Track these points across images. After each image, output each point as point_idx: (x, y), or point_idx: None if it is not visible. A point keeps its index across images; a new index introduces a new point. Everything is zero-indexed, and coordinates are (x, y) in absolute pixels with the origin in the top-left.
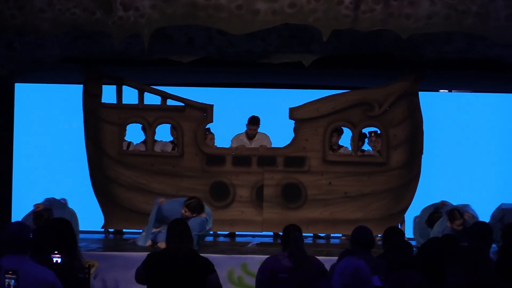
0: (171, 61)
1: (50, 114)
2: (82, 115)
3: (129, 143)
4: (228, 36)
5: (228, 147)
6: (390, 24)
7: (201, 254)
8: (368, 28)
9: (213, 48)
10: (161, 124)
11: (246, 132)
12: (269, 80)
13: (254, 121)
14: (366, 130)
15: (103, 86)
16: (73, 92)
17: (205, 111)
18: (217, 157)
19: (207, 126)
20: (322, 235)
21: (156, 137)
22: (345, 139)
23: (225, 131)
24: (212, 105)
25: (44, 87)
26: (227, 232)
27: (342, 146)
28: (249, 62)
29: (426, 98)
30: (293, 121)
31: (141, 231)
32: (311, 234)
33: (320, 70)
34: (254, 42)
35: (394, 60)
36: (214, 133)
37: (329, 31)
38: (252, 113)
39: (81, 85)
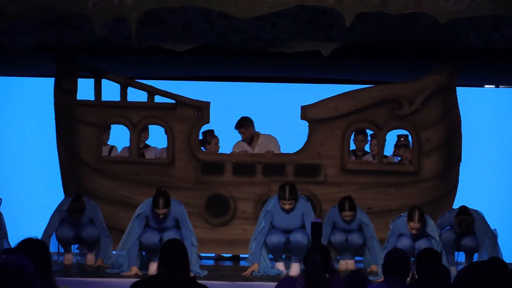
0: (163, 50)
1: (18, 113)
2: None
3: (112, 148)
4: (232, 20)
5: (227, 153)
6: (426, 7)
7: (199, 281)
8: (399, 11)
9: (213, 35)
10: (148, 125)
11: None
12: (281, 73)
13: (238, 124)
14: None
15: (79, 79)
16: (46, 87)
17: (200, 110)
18: (214, 165)
19: (207, 128)
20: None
21: (149, 142)
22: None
23: (226, 134)
24: (209, 103)
25: (11, 81)
26: (230, 255)
27: (368, 152)
28: (256, 51)
29: (468, 95)
30: (305, 122)
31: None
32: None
33: (341, 61)
34: (263, 27)
35: (430, 50)
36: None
37: (353, 15)
38: (258, 112)
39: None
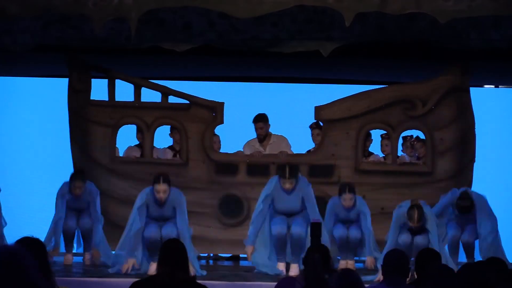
0: (163, 50)
1: (18, 113)
2: (68, 115)
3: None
4: (232, 20)
5: (241, 153)
6: (426, 6)
7: (198, 281)
8: (399, 11)
9: (213, 35)
10: (162, 125)
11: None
12: (280, 73)
13: (258, 118)
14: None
15: (92, 80)
16: (46, 87)
17: (214, 110)
18: (228, 166)
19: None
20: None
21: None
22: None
23: (224, 133)
24: (223, 103)
25: (11, 81)
26: (229, 255)
27: (372, 153)
28: (256, 51)
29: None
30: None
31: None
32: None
33: (341, 61)
34: (263, 27)
35: (430, 50)
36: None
37: (353, 15)
38: (258, 111)
39: (58, 78)
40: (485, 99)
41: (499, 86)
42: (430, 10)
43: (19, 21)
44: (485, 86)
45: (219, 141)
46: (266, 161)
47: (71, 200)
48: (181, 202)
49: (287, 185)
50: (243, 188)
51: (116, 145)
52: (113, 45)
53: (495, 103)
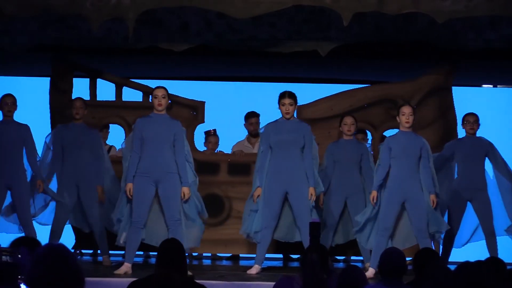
0: (160, 51)
1: (16, 113)
2: (50, 115)
3: (111, 148)
4: (229, 20)
5: (223, 152)
6: (423, 7)
7: (196, 281)
8: (396, 11)
9: (211, 35)
10: None
11: (248, 137)
12: (278, 73)
13: (251, 114)
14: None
15: (74, 79)
16: (44, 86)
17: (195, 110)
18: (209, 165)
19: (211, 128)
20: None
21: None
22: None
23: (223, 134)
24: (204, 102)
25: (8, 80)
26: (229, 254)
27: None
28: (254, 51)
29: (466, 94)
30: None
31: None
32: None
33: (339, 61)
34: (261, 27)
35: (428, 50)
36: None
37: (350, 15)
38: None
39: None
40: (484, 99)
41: (498, 86)
42: (428, 10)
43: (17, 21)
44: (484, 85)
45: (216, 142)
46: (248, 160)
47: (68, 135)
48: (181, 132)
49: (286, 107)
50: (224, 188)
51: (114, 145)
52: (110, 45)
53: (493, 102)
